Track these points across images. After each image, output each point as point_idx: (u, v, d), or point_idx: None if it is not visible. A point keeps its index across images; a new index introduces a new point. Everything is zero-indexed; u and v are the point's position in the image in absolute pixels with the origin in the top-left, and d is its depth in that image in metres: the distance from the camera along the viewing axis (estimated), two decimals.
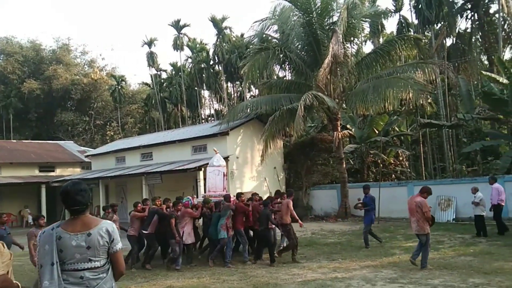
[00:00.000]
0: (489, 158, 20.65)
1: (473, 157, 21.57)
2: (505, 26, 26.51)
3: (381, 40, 30.86)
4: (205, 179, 17.98)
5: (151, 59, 46.46)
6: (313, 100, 16.05)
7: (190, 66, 46.48)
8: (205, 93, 50.95)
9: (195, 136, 21.03)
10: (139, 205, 10.63)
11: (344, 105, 19.24)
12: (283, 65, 20.91)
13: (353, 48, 20.39)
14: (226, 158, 18.64)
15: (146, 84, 50.83)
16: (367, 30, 29.62)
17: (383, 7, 29.52)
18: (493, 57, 24.69)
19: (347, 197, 18.39)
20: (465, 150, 20.80)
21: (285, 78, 23.89)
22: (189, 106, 47.46)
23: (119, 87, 46.51)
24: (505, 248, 9.86)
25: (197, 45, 46.15)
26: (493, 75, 20.34)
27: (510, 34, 26.98)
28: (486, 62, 28.93)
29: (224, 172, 11.69)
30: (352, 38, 19.32)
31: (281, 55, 19.14)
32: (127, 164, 23.78)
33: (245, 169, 20.01)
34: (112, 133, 42.72)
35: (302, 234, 14.63)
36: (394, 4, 31.64)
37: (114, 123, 45.13)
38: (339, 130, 18.54)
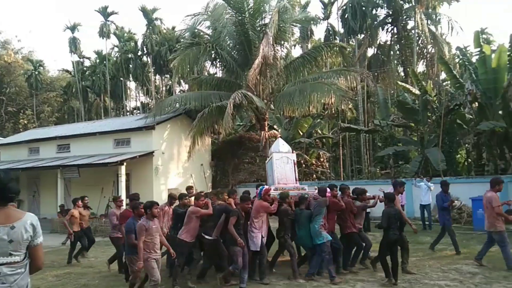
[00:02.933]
0: (400, 162, 22.50)
1: (386, 161, 23.31)
2: (419, 42, 29.00)
3: (309, 45, 32.06)
4: (127, 174, 17.51)
5: (74, 45, 43.69)
6: (243, 99, 16.21)
7: (116, 56, 44.42)
8: (132, 84, 49.12)
9: (118, 129, 20.13)
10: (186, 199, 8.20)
11: (272, 106, 19.70)
12: (214, 62, 20.85)
13: (283, 51, 20.91)
14: (151, 154, 18.16)
15: (67, 71, 47.62)
16: (297, 34, 30.66)
17: (313, 14, 30.76)
18: (408, 69, 26.90)
19: None
20: (379, 154, 22.39)
21: (216, 75, 23.83)
22: (113, 97, 45.39)
23: (36, 73, 43.05)
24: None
25: (125, 34, 44.27)
26: (407, 86, 22.18)
27: (423, 49, 29.57)
28: (402, 74, 31.43)
29: (294, 160, 9.44)
30: (282, 42, 19.80)
31: (213, 52, 19.06)
32: (41, 155, 22.07)
33: (171, 165, 19.64)
34: (25, 122, 39.35)
35: None
36: (323, 12, 33.09)
37: (29, 110, 41.58)
38: (267, 130, 18.93)
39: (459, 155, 22.47)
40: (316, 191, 8.27)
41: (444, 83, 23.33)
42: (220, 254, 7.46)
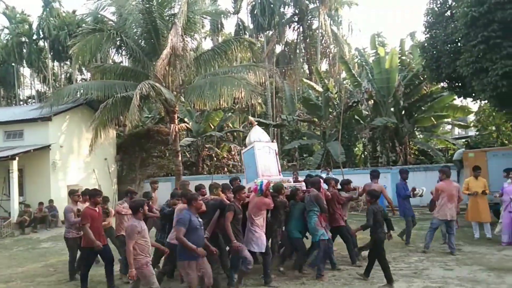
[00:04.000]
0: (305, 155, 23.68)
1: (293, 154, 24.35)
2: (323, 41, 30.72)
3: (220, 39, 32.07)
4: (20, 170, 15.86)
5: None
6: (150, 90, 15.65)
7: (6, 38, 39.78)
8: (26, 71, 44.45)
9: (9, 119, 18.13)
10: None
11: (182, 98, 19.33)
12: (119, 50, 19.74)
13: (193, 43, 20.59)
14: (47, 147, 16.69)
15: None
16: (207, 27, 30.43)
17: (224, 7, 30.76)
18: (312, 67, 28.37)
19: None
20: (286, 147, 23.30)
21: (121, 64, 22.64)
22: (4, 85, 40.65)
23: None
24: None
25: (17, 15, 39.80)
26: (311, 83, 23.37)
27: (326, 49, 31.40)
28: (307, 71, 33.04)
29: (276, 150, 8.75)
30: (192, 33, 19.47)
31: (118, 39, 18.04)
32: None
33: (71, 159, 18.25)
34: None
35: None
36: (234, 6, 33.27)
37: None
38: (176, 123, 18.55)
39: (356, 148, 24.35)
40: (303, 183, 8.00)
41: (344, 81, 25.06)
42: (220, 250, 6.63)
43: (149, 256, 5.49)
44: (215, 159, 23.28)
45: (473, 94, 13.37)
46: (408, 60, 21.92)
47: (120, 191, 19.96)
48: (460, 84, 13.88)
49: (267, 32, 30.74)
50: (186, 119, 23.09)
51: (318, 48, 29.45)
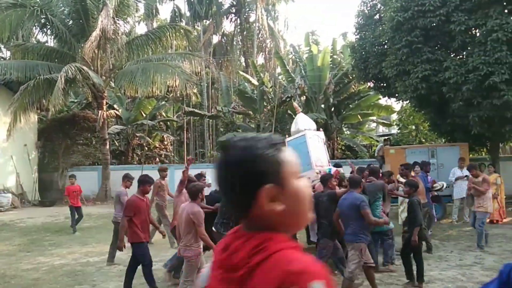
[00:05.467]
0: None
1: None
2: (260, 35, 31.01)
3: (154, 24, 31.03)
4: None
5: None
6: (77, 73, 14.76)
7: None
8: None
9: None
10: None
11: (112, 84, 18.46)
12: (44, 29, 18.34)
13: (125, 27, 19.71)
14: None
15: None
16: (141, 11, 29.27)
17: None
18: (249, 60, 28.54)
19: (108, 179, 17.81)
20: (220, 139, 23.30)
21: (46, 44, 21.05)
22: None
23: None
24: None
25: None
26: (247, 76, 23.55)
27: (263, 43, 31.73)
28: (244, 64, 33.17)
29: (324, 139, 8.13)
30: (125, 16, 18.62)
31: (43, 17, 16.77)
32: None
33: None
34: None
35: (54, 219, 13.40)
36: None
37: None
38: (105, 109, 17.71)
39: None
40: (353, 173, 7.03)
41: (279, 76, 25.55)
42: None
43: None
44: (146, 148, 22.61)
45: (396, 95, 14.35)
46: (339, 59, 22.89)
47: (42, 180, 18.68)
48: (385, 84, 14.81)
49: (204, 21, 30.34)
50: (115, 106, 22.10)
51: (254, 42, 29.67)
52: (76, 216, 11.00)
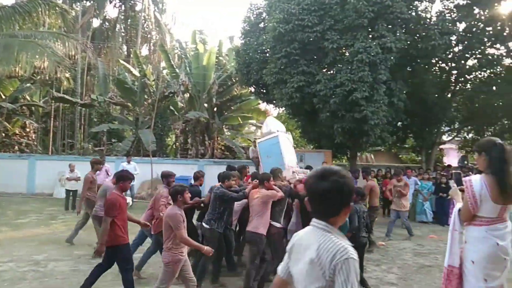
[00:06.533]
0: (114, 140, 22.54)
1: (100, 137, 22.89)
2: (145, 26, 29.80)
3: None
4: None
5: None
6: None
7: None
8: None
9: None
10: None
11: None
12: None
13: None
14: None
15: None
16: None
17: None
18: (131, 50, 27.17)
19: None
20: (93, 130, 21.75)
21: None
22: None
23: None
24: None
25: None
26: (128, 66, 22.41)
27: (148, 34, 30.56)
28: (125, 53, 31.45)
29: (291, 141, 8.27)
30: None
31: None
32: None
33: None
34: None
35: None
36: None
37: None
38: None
39: (169, 139, 24.55)
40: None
41: (163, 70, 24.89)
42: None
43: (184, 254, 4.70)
44: (3, 134, 19.89)
45: (274, 101, 15.18)
46: (224, 61, 23.30)
47: None
48: (264, 90, 15.56)
49: (84, 1, 27.96)
50: None
51: (139, 32, 28.41)
52: None
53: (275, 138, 7.91)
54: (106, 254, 5.11)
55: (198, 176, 6.88)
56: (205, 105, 21.28)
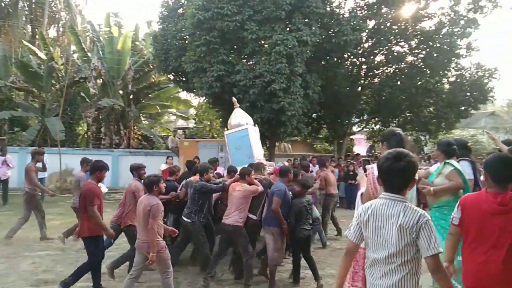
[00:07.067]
0: (17, 129, 20.49)
1: (1, 126, 20.68)
2: (53, 5, 27.39)
3: None
4: None
5: None
6: None
7: None
8: None
9: None
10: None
11: None
12: None
13: None
14: None
15: None
16: None
17: None
18: (37, 30, 24.83)
19: None
20: None
21: None
22: None
23: None
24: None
25: None
26: (33, 48, 20.44)
27: (56, 14, 28.13)
28: (30, 33, 28.66)
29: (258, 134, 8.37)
30: None
31: None
32: None
33: None
34: None
35: None
36: None
37: None
38: None
39: (80, 127, 22.95)
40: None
41: (73, 54, 23.12)
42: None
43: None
44: None
45: (194, 90, 14.91)
46: (141, 46, 22.32)
47: None
48: (184, 78, 15.22)
49: None
50: None
51: (45, 11, 26.02)
52: None
53: (244, 131, 7.90)
54: (85, 246, 5.10)
55: (174, 171, 7.05)
56: (120, 92, 20.25)
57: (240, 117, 8.28)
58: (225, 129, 8.24)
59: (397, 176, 2.35)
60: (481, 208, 2.76)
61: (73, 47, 22.78)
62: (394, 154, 2.37)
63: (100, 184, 5.27)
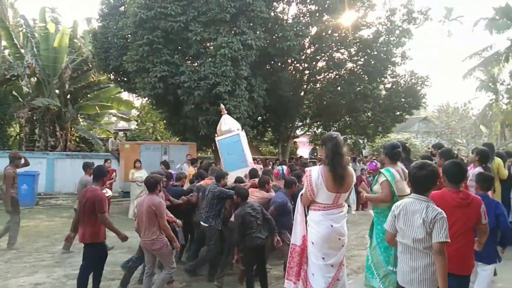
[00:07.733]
0: None
1: None
2: None
3: None
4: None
5: None
6: None
7: None
8: None
9: None
10: None
11: None
12: None
13: None
14: None
15: None
16: None
17: None
18: None
19: None
20: None
21: None
22: None
23: None
24: None
25: None
26: None
27: None
28: None
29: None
30: None
31: None
32: None
33: None
34: None
35: None
36: None
37: None
38: None
39: (12, 129, 21.40)
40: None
41: (4, 50, 21.56)
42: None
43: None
44: None
45: (136, 90, 14.46)
46: (80, 44, 21.31)
47: None
48: (125, 78, 14.74)
49: None
50: None
51: None
52: None
53: (236, 136, 8.10)
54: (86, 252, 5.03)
55: (181, 177, 7.33)
56: (56, 91, 19.18)
57: (230, 123, 8.50)
58: (216, 135, 8.41)
59: (421, 182, 3.00)
60: (447, 201, 3.37)
61: (3, 43, 21.24)
62: (420, 164, 3.04)
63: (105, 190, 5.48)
